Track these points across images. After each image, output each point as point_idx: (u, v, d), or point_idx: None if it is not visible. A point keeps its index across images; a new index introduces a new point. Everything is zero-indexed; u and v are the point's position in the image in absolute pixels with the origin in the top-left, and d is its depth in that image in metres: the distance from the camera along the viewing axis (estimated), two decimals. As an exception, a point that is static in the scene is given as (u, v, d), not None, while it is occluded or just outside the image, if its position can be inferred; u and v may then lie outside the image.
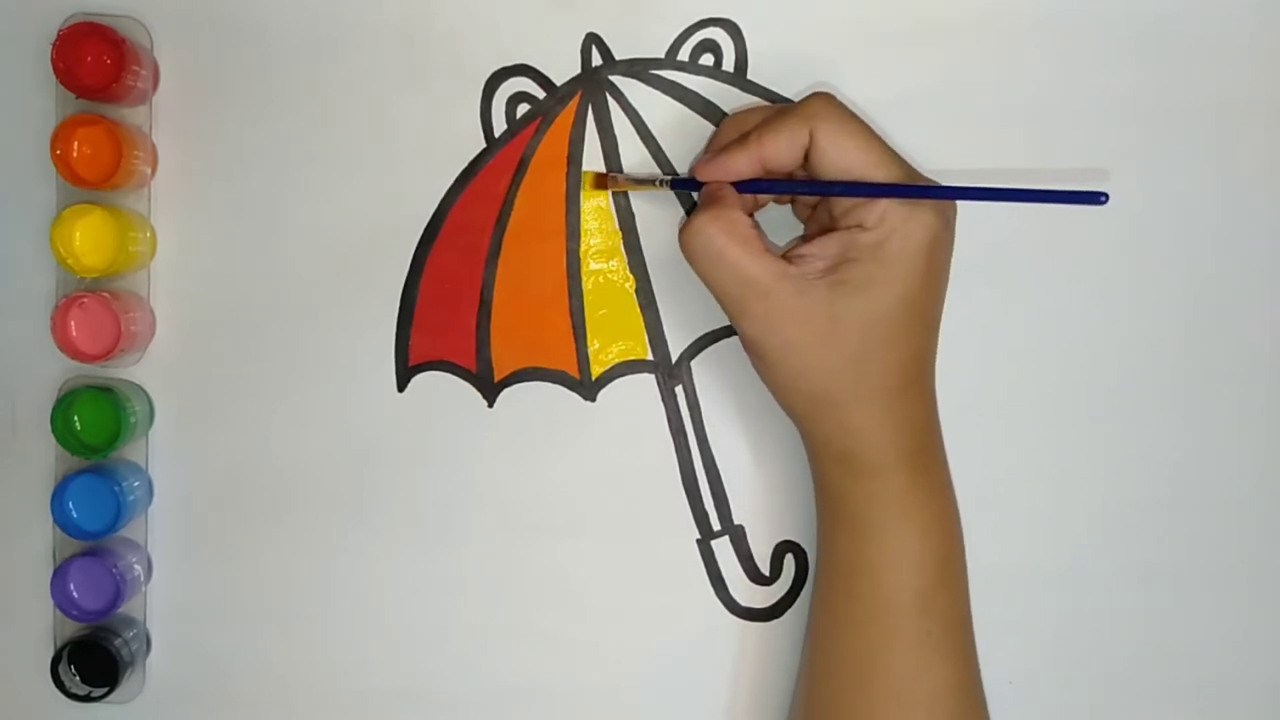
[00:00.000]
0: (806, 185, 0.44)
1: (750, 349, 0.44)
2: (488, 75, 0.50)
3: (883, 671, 0.44)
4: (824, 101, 0.43)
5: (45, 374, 0.50)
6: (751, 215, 0.45)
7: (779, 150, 0.43)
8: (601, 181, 0.49)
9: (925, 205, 0.42)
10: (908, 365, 0.43)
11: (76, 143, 0.47)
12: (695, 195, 0.49)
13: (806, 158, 0.43)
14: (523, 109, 0.50)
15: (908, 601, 0.44)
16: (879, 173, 0.42)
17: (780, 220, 0.48)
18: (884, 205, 0.42)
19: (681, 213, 0.50)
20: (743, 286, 0.42)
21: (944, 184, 0.44)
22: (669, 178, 0.47)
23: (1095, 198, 0.39)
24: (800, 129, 0.42)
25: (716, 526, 0.50)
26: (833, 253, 0.42)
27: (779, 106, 0.45)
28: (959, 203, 0.43)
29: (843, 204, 0.43)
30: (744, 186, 0.44)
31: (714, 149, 0.46)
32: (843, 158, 0.42)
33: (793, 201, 0.48)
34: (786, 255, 0.43)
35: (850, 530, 0.44)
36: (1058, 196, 0.40)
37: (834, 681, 0.45)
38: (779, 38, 0.49)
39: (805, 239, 0.45)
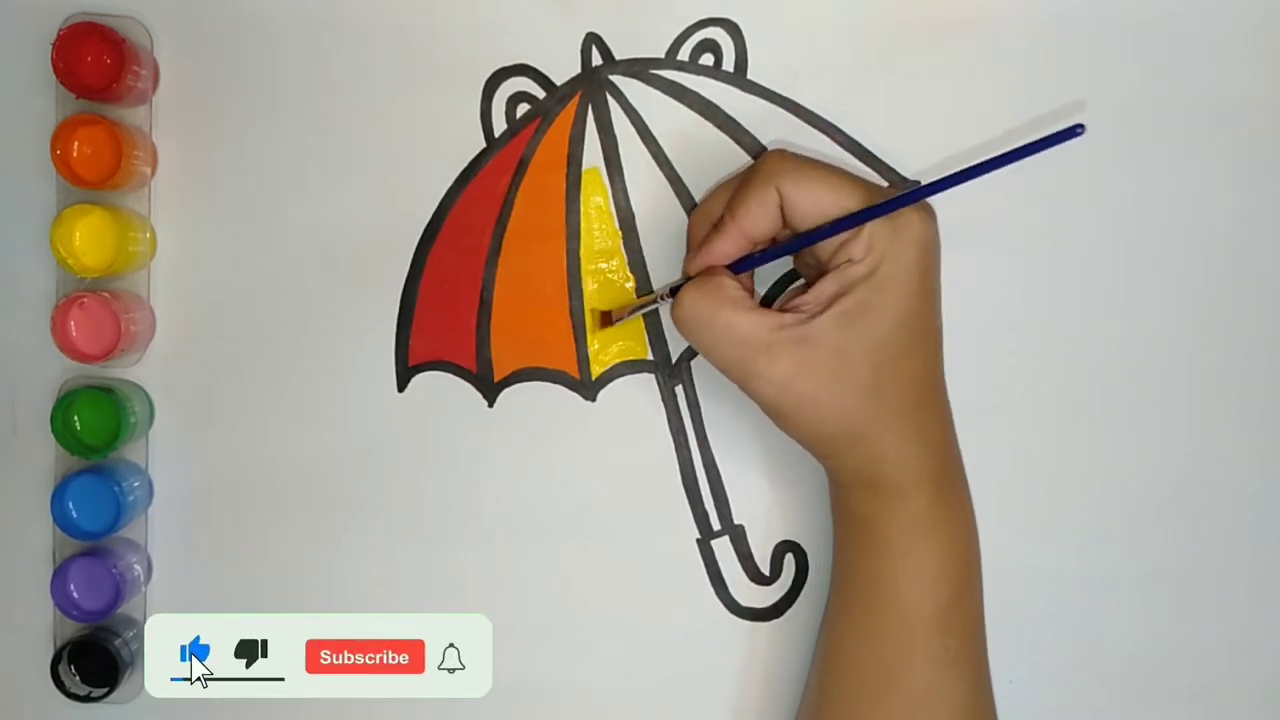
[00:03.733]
0: (793, 244, 0.44)
1: (768, 409, 0.44)
2: (488, 75, 0.50)
3: (901, 685, 0.44)
4: (778, 157, 0.43)
5: (45, 374, 0.50)
6: (750, 283, 0.45)
7: (754, 219, 0.43)
8: (607, 319, 0.49)
9: (910, 223, 0.41)
10: (919, 383, 0.43)
11: (76, 143, 0.47)
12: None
13: (783, 216, 0.43)
14: (523, 109, 0.50)
15: (928, 617, 0.44)
16: (853, 203, 0.42)
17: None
18: (868, 234, 0.41)
19: (682, 213, 0.50)
20: (742, 348, 0.42)
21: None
22: (666, 288, 0.47)
23: (1071, 133, 0.38)
24: (766, 191, 0.43)
25: (716, 526, 0.50)
26: (828, 293, 0.42)
27: (736, 178, 0.45)
28: (955, 211, 0.43)
29: (827, 247, 0.43)
30: (738, 267, 0.44)
31: (694, 246, 0.46)
32: (817, 203, 0.42)
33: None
34: (783, 309, 0.43)
35: (871, 548, 0.44)
36: (1033, 147, 0.39)
37: (850, 695, 0.45)
38: (779, 38, 0.49)
39: (799, 290, 0.45)
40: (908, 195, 0.42)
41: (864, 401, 0.42)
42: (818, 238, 0.42)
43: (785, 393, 0.42)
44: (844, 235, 0.42)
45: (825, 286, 0.42)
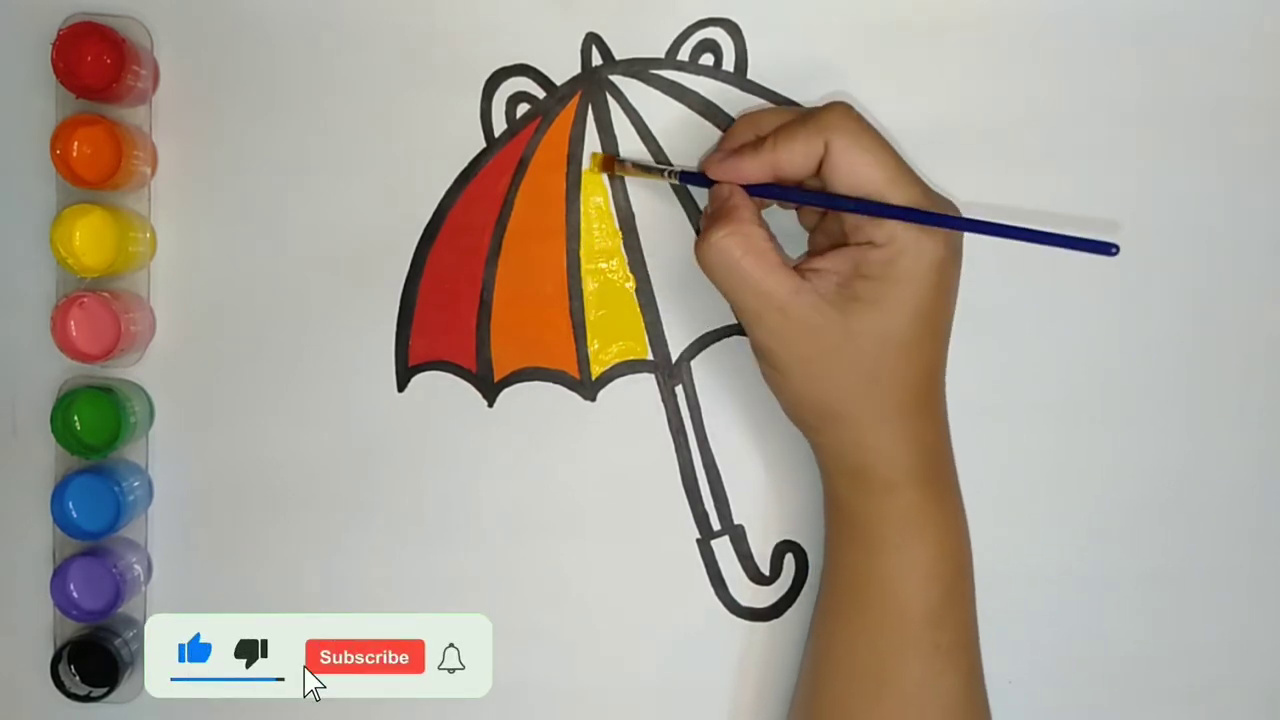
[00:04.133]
0: (817, 197, 0.44)
1: (763, 358, 0.44)
2: (488, 75, 0.50)
3: (894, 682, 0.44)
4: (842, 113, 0.43)
5: (45, 374, 0.50)
6: (761, 220, 0.45)
7: (793, 158, 0.43)
8: (609, 165, 0.49)
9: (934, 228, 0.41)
10: (920, 381, 0.43)
11: (76, 143, 0.47)
12: (693, 191, 0.50)
13: (820, 168, 0.43)
14: (523, 109, 0.50)
15: (919, 614, 0.44)
16: (892, 191, 0.42)
17: (784, 222, 0.48)
18: (893, 223, 0.41)
19: (682, 213, 0.50)
20: (759, 300, 0.42)
21: (951, 204, 0.43)
22: (678, 170, 0.47)
23: (1106, 248, 0.39)
24: (816, 139, 0.42)
25: (716, 526, 0.50)
26: (845, 269, 0.42)
27: (796, 112, 0.45)
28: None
29: (852, 218, 0.42)
30: (754, 191, 0.44)
31: (727, 148, 0.46)
32: (855, 173, 0.42)
33: (799, 208, 0.47)
34: (800, 268, 0.43)
35: (862, 544, 0.44)
36: (1068, 242, 0.39)
37: (842, 691, 0.45)
38: (779, 38, 0.49)
39: (816, 252, 0.45)
40: (942, 220, 0.41)
41: (860, 386, 0.42)
42: (840, 206, 0.42)
43: (786, 348, 0.42)
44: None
45: (842, 260, 0.42)
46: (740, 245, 0.42)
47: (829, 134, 0.42)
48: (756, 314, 0.43)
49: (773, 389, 0.45)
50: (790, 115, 0.45)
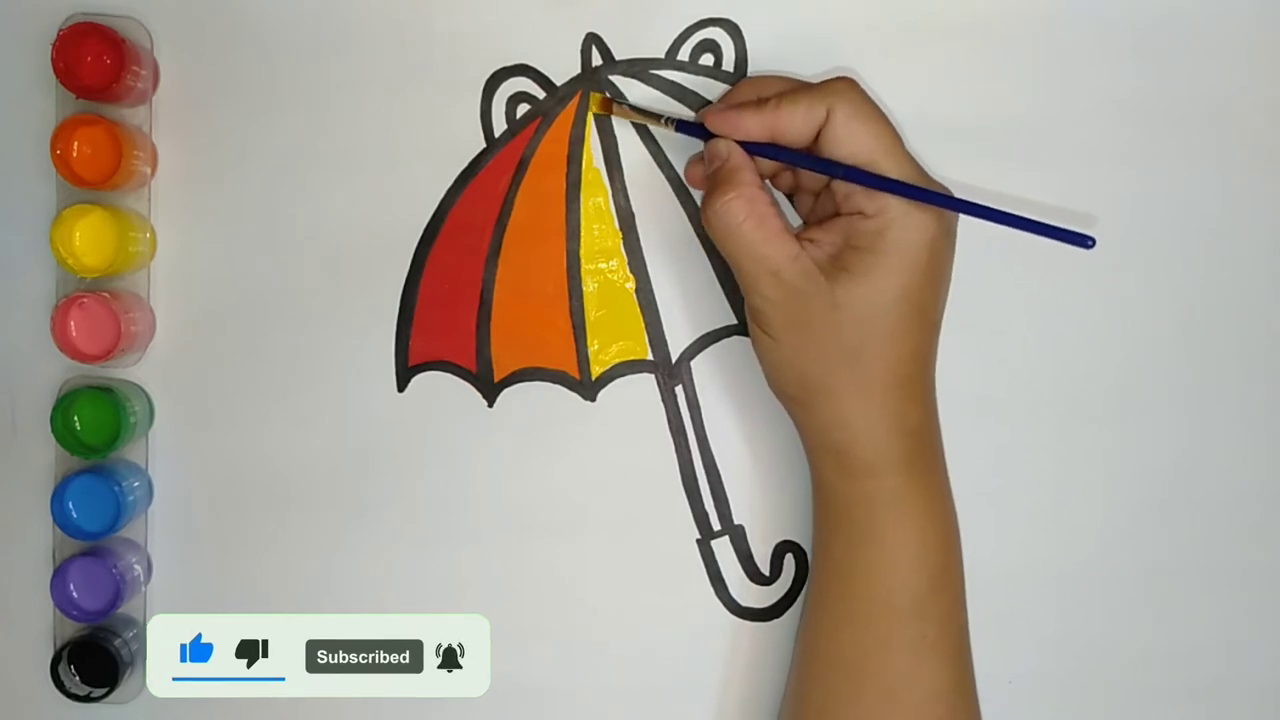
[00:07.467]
0: (811, 160, 0.44)
1: (755, 320, 0.44)
2: (488, 75, 0.50)
3: (877, 673, 0.44)
4: (847, 84, 0.43)
5: (45, 374, 0.50)
6: (763, 183, 0.45)
7: (794, 122, 0.43)
8: (607, 105, 0.49)
9: (924, 205, 0.42)
10: (906, 363, 0.43)
11: (76, 143, 0.47)
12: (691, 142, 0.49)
13: (818, 137, 0.43)
14: (523, 109, 0.50)
15: (904, 604, 0.44)
16: (887, 162, 0.42)
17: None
18: (884, 195, 0.42)
19: (683, 214, 0.50)
20: (756, 263, 0.43)
21: (946, 189, 0.44)
22: (676, 118, 0.47)
23: (1083, 240, 0.40)
24: (819, 105, 0.43)
25: (716, 526, 0.51)
26: (837, 240, 0.43)
27: (799, 80, 0.46)
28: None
29: (844, 189, 0.43)
30: (750, 149, 0.44)
31: (727, 101, 0.46)
32: (853, 142, 0.42)
33: (794, 196, 0.48)
34: (798, 237, 0.43)
35: (847, 531, 0.44)
36: (1048, 231, 0.40)
37: (827, 681, 0.45)
38: (779, 38, 0.49)
39: (810, 224, 0.46)
40: (929, 195, 0.42)
41: (844, 359, 0.42)
42: (833, 173, 0.43)
43: (778, 312, 0.43)
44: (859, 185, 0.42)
45: (834, 230, 0.43)
46: (744, 209, 0.43)
47: (833, 101, 0.43)
48: (753, 276, 0.43)
49: (760, 355, 0.45)
50: (794, 83, 0.45)
